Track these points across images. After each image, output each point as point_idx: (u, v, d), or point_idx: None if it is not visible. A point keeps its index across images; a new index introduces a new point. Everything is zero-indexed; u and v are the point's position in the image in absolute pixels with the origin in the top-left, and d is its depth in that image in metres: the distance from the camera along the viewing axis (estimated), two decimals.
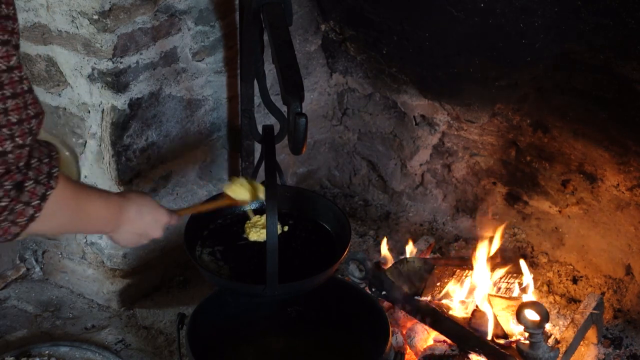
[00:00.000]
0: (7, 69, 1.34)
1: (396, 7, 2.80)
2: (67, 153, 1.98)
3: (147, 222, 1.88)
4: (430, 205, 3.21)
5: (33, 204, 1.44)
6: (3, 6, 1.32)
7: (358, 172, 3.38)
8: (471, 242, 3.05)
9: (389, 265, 2.55)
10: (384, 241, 2.69)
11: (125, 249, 2.74)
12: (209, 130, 2.89)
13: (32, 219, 1.46)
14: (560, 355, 2.33)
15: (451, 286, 2.51)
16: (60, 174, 1.50)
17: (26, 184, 1.42)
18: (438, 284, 2.51)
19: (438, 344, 2.46)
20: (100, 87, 2.53)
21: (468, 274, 2.56)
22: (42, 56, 2.57)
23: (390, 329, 2.23)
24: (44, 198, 1.45)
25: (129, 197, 1.87)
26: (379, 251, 2.77)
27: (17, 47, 1.37)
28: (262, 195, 2.10)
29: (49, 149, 1.49)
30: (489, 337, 2.33)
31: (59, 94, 2.60)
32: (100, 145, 2.61)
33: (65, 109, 2.62)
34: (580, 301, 2.73)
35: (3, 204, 1.40)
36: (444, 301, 2.48)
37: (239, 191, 2.11)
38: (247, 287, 2.12)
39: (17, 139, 1.38)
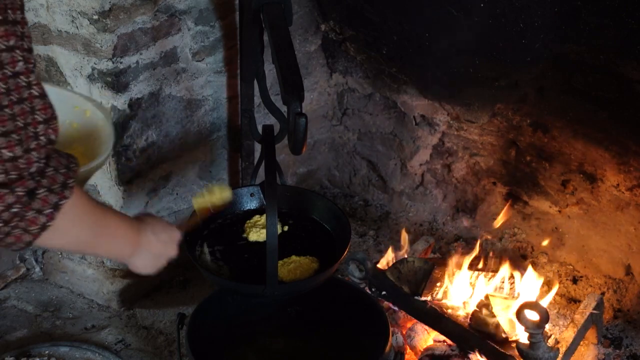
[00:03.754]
0: (13, 75, 1.35)
1: (396, 7, 2.80)
2: (102, 116, 2.02)
3: (163, 241, 1.86)
4: (430, 205, 3.21)
5: (45, 212, 1.43)
6: (9, 12, 1.33)
7: (358, 172, 3.38)
8: (471, 242, 3.05)
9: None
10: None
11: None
12: (209, 130, 2.89)
13: (44, 227, 1.44)
14: (560, 355, 2.33)
15: (451, 286, 2.51)
16: (77, 187, 1.49)
17: (38, 192, 1.42)
18: (438, 284, 2.51)
19: (438, 344, 2.46)
20: (100, 87, 2.53)
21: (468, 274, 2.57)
22: (42, 56, 2.57)
23: (390, 329, 2.23)
24: (56, 207, 1.44)
25: (143, 219, 1.86)
26: (379, 251, 2.77)
27: (30, 50, 1.37)
28: (225, 194, 2.10)
29: (68, 160, 1.48)
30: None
31: None
32: None
33: None
34: (580, 301, 2.73)
35: (14, 210, 1.39)
36: (443, 301, 2.48)
37: (202, 201, 2.12)
38: (247, 287, 2.12)
39: (24, 144, 1.38)
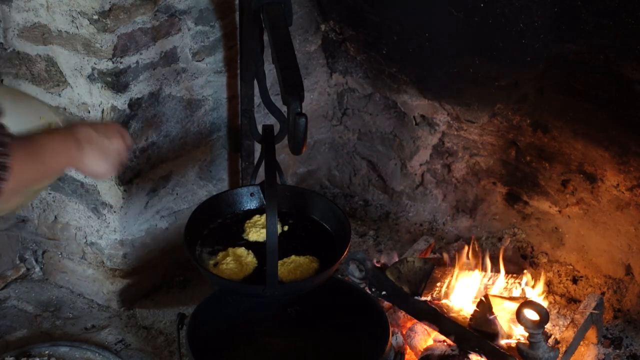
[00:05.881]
0: None
1: (396, 7, 2.80)
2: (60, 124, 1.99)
3: (102, 132, 1.84)
4: (430, 205, 3.21)
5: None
6: None
7: (358, 172, 3.38)
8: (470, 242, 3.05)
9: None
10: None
11: (124, 239, 2.75)
12: (209, 130, 2.89)
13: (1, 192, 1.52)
14: (560, 355, 2.33)
15: (451, 286, 2.51)
16: (14, 142, 1.55)
17: None
18: (438, 284, 2.51)
19: (438, 344, 2.46)
20: (100, 87, 2.53)
21: (468, 274, 2.56)
22: (42, 56, 2.57)
23: (390, 329, 2.23)
24: (4, 168, 1.51)
25: (78, 124, 1.92)
26: (379, 251, 2.77)
27: None
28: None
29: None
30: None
31: (59, 94, 2.60)
32: None
33: (65, 109, 2.62)
34: (580, 301, 2.73)
35: None
36: (443, 301, 2.48)
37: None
38: (247, 287, 2.13)
39: None
